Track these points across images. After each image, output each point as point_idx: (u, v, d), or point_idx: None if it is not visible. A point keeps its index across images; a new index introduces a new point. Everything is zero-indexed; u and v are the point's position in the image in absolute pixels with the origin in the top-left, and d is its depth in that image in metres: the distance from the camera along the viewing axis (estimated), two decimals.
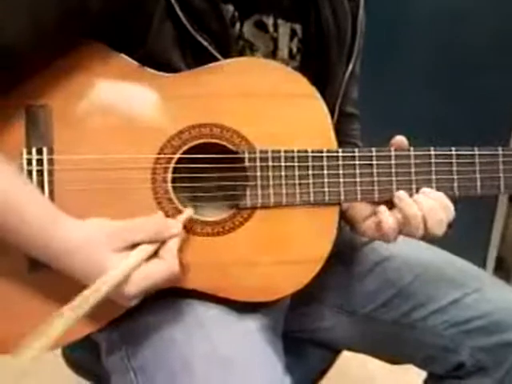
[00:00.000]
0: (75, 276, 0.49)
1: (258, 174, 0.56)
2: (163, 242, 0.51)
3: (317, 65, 0.65)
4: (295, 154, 0.56)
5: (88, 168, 0.54)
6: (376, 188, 0.57)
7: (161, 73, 0.56)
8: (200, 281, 0.56)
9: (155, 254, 0.50)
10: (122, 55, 0.56)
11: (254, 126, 0.57)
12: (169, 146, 0.56)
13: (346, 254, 0.74)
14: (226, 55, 0.57)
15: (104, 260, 0.48)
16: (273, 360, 0.54)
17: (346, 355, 0.77)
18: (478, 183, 0.58)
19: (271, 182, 0.56)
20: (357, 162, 0.57)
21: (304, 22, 0.65)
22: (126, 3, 0.52)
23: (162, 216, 0.54)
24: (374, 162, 0.57)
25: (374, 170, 0.57)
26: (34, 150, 0.54)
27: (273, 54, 0.64)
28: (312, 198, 0.57)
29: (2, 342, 0.54)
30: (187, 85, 0.56)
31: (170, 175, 0.55)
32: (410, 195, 0.57)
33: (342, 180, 0.57)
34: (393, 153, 0.57)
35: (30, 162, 0.54)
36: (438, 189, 0.58)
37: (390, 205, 0.58)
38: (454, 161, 0.58)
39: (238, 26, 0.60)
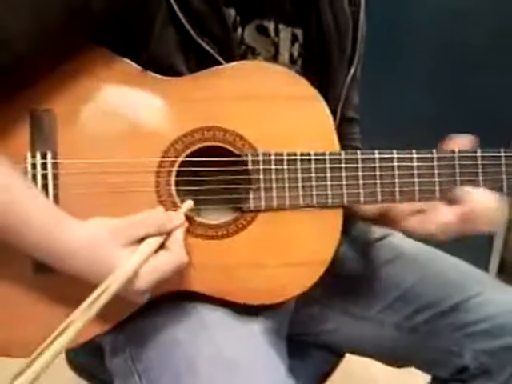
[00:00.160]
0: (83, 276, 0.49)
1: (261, 176, 0.56)
2: (168, 234, 0.51)
3: (318, 69, 0.65)
4: (298, 157, 0.57)
5: (92, 172, 0.55)
6: (379, 190, 0.57)
7: (164, 77, 0.56)
8: (205, 284, 0.56)
9: (162, 247, 0.50)
10: (125, 59, 0.56)
11: (256, 128, 0.57)
12: (172, 150, 0.56)
13: (350, 256, 0.75)
14: (229, 59, 0.57)
15: (111, 257, 0.48)
16: (276, 362, 0.54)
17: (349, 357, 0.77)
18: (481, 185, 0.58)
19: (274, 185, 0.56)
20: (359, 165, 0.57)
21: (305, 27, 0.65)
22: (129, 4, 0.53)
23: (163, 209, 0.54)
24: (377, 165, 0.57)
25: (377, 173, 0.57)
26: (38, 154, 0.55)
27: (274, 59, 0.64)
28: (315, 201, 0.57)
29: (5, 345, 0.55)
30: (190, 89, 0.56)
31: (173, 178, 0.56)
32: (414, 198, 0.58)
33: (344, 182, 0.57)
34: (395, 155, 0.57)
35: (34, 166, 0.54)
36: (441, 191, 0.58)
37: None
38: (456, 163, 0.58)
39: (239, 30, 0.60)
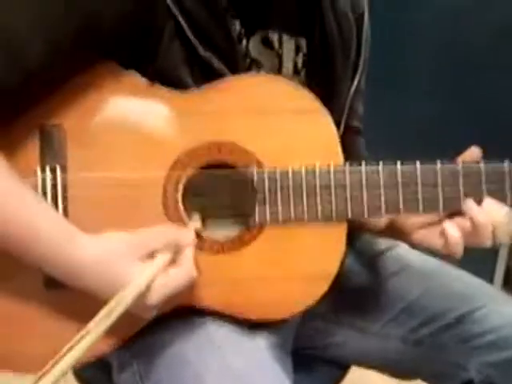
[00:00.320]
0: (95, 291, 0.50)
1: (267, 192, 0.57)
2: (178, 249, 0.52)
3: (322, 80, 0.66)
4: (302, 172, 0.57)
5: (100, 185, 0.56)
6: (383, 203, 0.58)
7: (170, 89, 0.57)
8: (212, 298, 0.57)
9: (172, 262, 0.51)
10: (133, 72, 0.57)
11: (262, 142, 0.57)
12: (179, 164, 0.57)
13: (356, 269, 0.75)
14: (234, 72, 0.58)
15: (124, 272, 0.49)
16: (281, 377, 0.54)
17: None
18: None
19: (279, 200, 0.57)
20: (363, 178, 0.57)
21: (309, 36, 0.66)
22: (137, 22, 0.54)
23: (175, 225, 0.55)
24: (381, 178, 0.58)
25: (381, 186, 0.58)
26: (48, 169, 0.56)
27: (278, 70, 0.65)
28: (320, 215, 0.57)
29: (14, 359, 0.55)
30: (196, 102, 0.57)
31: (180, 193, 0.56)
32: (417, 210, 0.58)
33: (348, 196, 0.57)
34: (399, 166, 0.58)
35: (44, 180, 0.55)
36: (444, 204, 0.58)
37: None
38: (460, 174, 0.58)
39: (244, 42, 0.61)
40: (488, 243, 0.58)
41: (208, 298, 0.56)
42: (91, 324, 0.47)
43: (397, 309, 0.71)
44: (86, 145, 0.57)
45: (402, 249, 0.76)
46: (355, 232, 0.69)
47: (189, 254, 0.52)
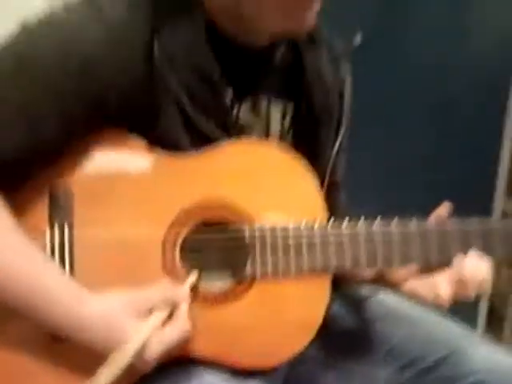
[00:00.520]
0: (97, 346, 0.55)
1: (258, 247, 0.62)
2: (174, 305, 0.56)
3: (307, 141, 0.71)
4: (290, 229, 0.62)
5: (104, 243, 0.60)
6: (363, 257, 0.63)
7: (169, 153, 0.62)
8: (205, 348, 0.61)
9: (168, 318, 0.56)
10: (135, 137, 0.62)
11: (253, 201, 0.63)
12: (177, 222, 0.62)
13: (342, 314, 0.79)
14: (227, 137, 0.64)
15: (125, 328, 0.54)
16: None
17: None
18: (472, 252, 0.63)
19: (269, 255, 0.62)
20: (344, 232, 0.63)
21: (295, 100, 0.72)
22: (141, 100, 0.60)
23: (170, 282, 0.59)
24: (362, 234, 0.63)
25: (361, 241, 0.63)
26: (56, 228, 0.60)
27: (266, 133, 0.70)
28: (306, 267, 0.63)
29: None
30: (193, 164, 0.63)
31: (177, 250, 0.61)
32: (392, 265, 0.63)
33: (332, 250, 0.63)
34: (377, 225, 0.63)
35: (52, 238, 0.60)
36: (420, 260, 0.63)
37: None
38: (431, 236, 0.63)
39: (236, 108, 0.67)
40: (472, 296, 0.63)
41: (201, 348, 0.60)
42: (94, 377, 0.51)
43: (382, 352, 0.75)
44: (91, 204, 0.62)
45: (386, 294, 0.81)
46: (342, 281, 0.74)
47: (183, 309, 0.57)
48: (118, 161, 0.63)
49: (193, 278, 0.60)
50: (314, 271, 0.63)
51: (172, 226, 0.62)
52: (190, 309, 0.58)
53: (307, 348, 0.63)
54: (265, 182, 0.64)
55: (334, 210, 0.69)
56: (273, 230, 0.62)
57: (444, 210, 0.65)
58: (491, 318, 1.56)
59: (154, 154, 0.63)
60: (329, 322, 0.67)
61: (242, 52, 0.65)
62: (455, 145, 1.42)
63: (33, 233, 0.59)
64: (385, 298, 0.80)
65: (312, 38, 0.70)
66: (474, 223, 0.64)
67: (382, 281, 0.69)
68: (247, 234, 0.62)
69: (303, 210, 0.64)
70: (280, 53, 0.70)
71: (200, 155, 0.63)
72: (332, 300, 0.67)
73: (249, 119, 0.69)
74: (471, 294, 0.63)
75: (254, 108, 0.69)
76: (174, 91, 0.60)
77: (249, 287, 0.62)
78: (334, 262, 0.63)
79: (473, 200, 1.44)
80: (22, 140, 0.56)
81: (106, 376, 0.51)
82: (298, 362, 0.73)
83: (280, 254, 0.62)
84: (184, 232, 0.62)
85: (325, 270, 0.63)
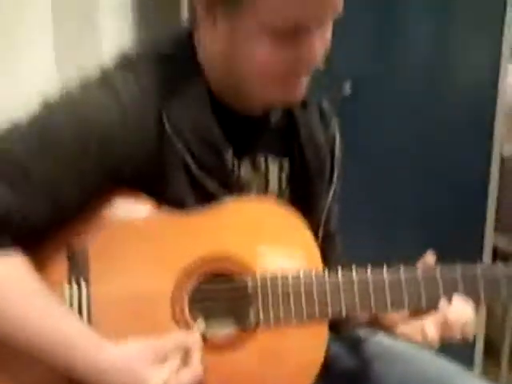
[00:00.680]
0: None
1: (260, 297, 0.67)
2: (187, 351, 0.61)
3: (302, 194, 0.78)
4: (289, 278, 0.68)
5: (118, 296, 0.66)
6: (357, 303, 0.68)
7: (176, 211, 0.68)
8: None
9: (182, 363, 0.61)
10: (144, 197, 0.68)
11: (254, 253, 0.69)
12: (184, 275, 0.67)
13: (341, 354, 0.84)
14: (230, 195, 0.70)
15: (142, 374, 0.59)
16: None
17: None
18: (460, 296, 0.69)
19: (270, 303, 0.67)
20: (340, 283, 0.68)
21: (290, 157, 0.78)
22: (152, 169, 0.66)
23: (183, 331, 0.65)
24: (356, 282, 0.69)
25: (355, 288, 0.68)
26: (73, 283, 0.66)
27: (265, 188, 0.77)
28: (305, 313, 0.68)
29: None
30: (199, 221, 0.69)
31: (186, 301, 0.67)
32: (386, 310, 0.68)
33: (328, 298, 0.68)
34: (369, 274, 0.69)
35: (71, 293, 0.66)
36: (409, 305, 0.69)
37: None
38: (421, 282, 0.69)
39: (236, 167, 0.73)
40: (458, 337, 0.69)
41: None
42: None
43: None
44: (105, 260, 0.67)
45: (382, 335, 0.85)
46: (341, 324, 0.79)
47: (196, 355, 0.62)
48: (129, 219, 0.69)
49: (200, 325, 0.65)
50: (313, 318, 0.68)
51: (180, 278, 0.67)
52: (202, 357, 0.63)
53: None
54: (265, 235, 0.70)
55: (329, 257, 0.74)
56: (273, 279, 0.68)
57: (430, 258, 0.71)
58: (488, 354, 1.60)
59: (163, 213, 0.69)
60: (329, 362, 0.72)
61: (240, 117, 0.73)
62: (444, 185, 1.49)
63: (52, 287, 0.64)
64: (381, 339, 0.85)
65: (304, 102, 0.77)
66: (458, 269, 0.70)
67: (376, 324, 0.74)
68: (250, 284, 0.68)
69: (301, 260, 0.70)
70: (275, 116, 0.77)
71: (205, 212, 0.69)
72: (330, 342, 0.72)
73: (249, 176, 0.75)
74: (456, 335, 0.68)
75: (254, 165, 0.76)
76: (180, 155, 0.67)
77: (252, 334, 0.67)
78: (331, 309, 0.68)
79: (465, 237, 1.51)
80: (45, 211, 0.63)
81: None
82: None
83: (281, 302, 0.67)
84: (191, 284, 0.67)
85: (323, 316, 0.68)
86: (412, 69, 1.44)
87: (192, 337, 0.63)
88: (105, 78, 0.66)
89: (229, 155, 0.72)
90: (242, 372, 0.66)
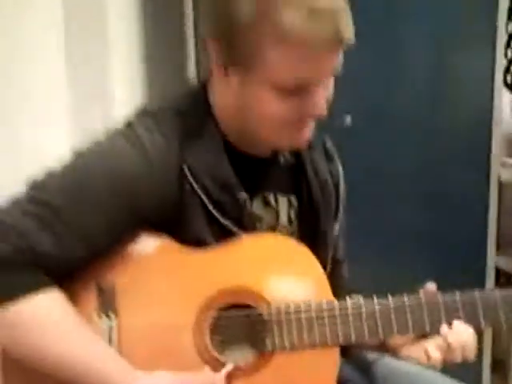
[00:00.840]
0: None
1: (275, 325, 0.73)
2: None
3: (310, 228, 0.84)
4: (302, 308, 0.74)
5: (144, 329, 0.72)
6: (365, 330, 0.74)
7: (195, 248, 0.75)
8: None
9: None
10: (166, 237, 0.75)
11: (268, 285, 0.75)
12: (204, 308, 0.73)
13: (352, 376, 0.89)
14: (244, 231, 0.76)
15: None
16: None
17: None
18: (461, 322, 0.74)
19: (285, 331, 0.73)
20: (349, 311, 0.74)
21: (298, 194, 0.85)
22: (174, 212, 0.73)
23: (210, 370, 0.71)
24: (363, 310, 0.74)
25: (363, 316, 0.74)
26: (103, 316, 0.72)
27: (276, 223, 0.83)
28: (317, 340, 0.73)
29: None
30: (216, 257, 0.75)
31: (207, 331, 0.73)
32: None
33: (339, 325, 0.74)
34: (375, 302, 0.75)
35: (102, 325, 0.72)
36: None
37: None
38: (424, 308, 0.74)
39: (248, 204, 0.79)
40: (459, 360, 0.74)
41: None
42: None
43: None
44: (131, 295, 0.74)
45: (388, 357, 0.90)
46: (352, 348, 0.85)
47: None
48: (153, 258, 0.75)
49: (229, 367, 0.71)
50: (325, 344, 0.73)
51: (200, 311, 0.73)
52: None
53: None
54: (277, 268, 0.76)
55: (337, 285, 0.80)
56: (287, 308, 0.74)
57: (431, 286, 0.77)
58: (495, 371, 1.63)
59: (182, 250, 0.75)
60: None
61: (251, 158, 0.80)
62: (445, 208, 1.55)
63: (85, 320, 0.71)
64: (388, 361, 0.90)
65: (309, 143, 0.84)
66: (458, 296, 0.75)
67: (383, 348, 0.79)
68: (265, 313, 0.73)
69: (311, 290, 0.75)
70: (284, 156, 0.84)
71: (222, 248, 0.75)
72: (341, 365, 0.77)
73: (260, 212, 0.81)
74: (457, 358, 0.73)
75: (265, 202, 0.82)
76: (198, 198, 0.74)
77: (270, 359, 0.73)
78: (341, 336, 0.73)
79: (468, 258, 1.56)
80: (81, 253, 0.71)
81: None
82: None
83: (294, 329, 0.73)
84: (211, 316, 0.73)
85: (334, 342, 0.74)
86: (412, 99, 1.51)
87: (218, 376, 0.69)
88: (131, 130, 0.73)
89: (242, 194, 0.78)
90: None
